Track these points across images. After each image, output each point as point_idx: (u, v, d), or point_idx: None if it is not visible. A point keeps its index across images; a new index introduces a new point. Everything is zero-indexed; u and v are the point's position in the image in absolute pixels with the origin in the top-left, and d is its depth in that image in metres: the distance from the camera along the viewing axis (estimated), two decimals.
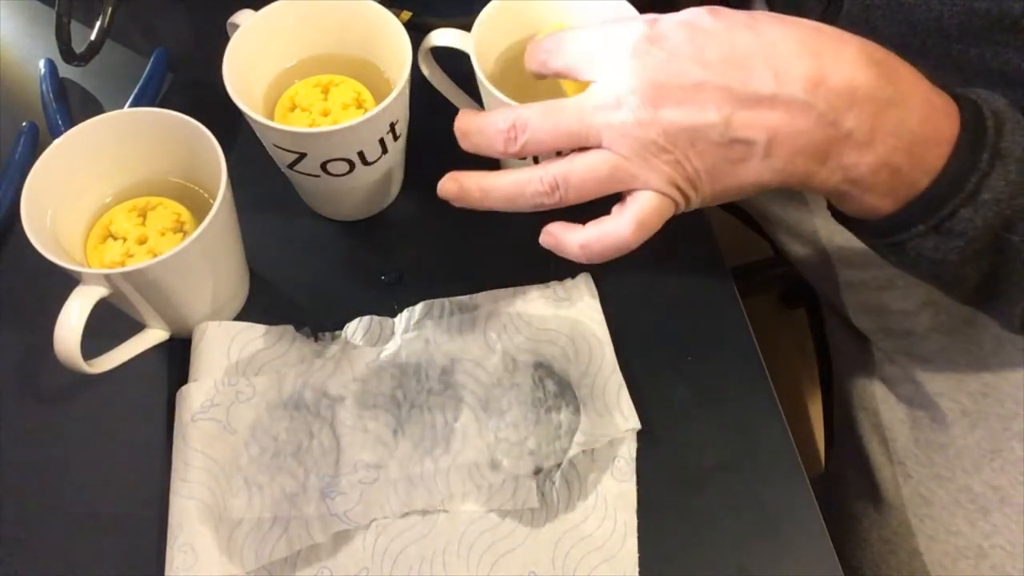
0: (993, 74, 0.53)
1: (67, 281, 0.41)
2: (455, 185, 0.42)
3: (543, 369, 0.47)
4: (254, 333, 0.48)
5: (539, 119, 0.38)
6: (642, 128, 0.35)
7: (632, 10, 0.47)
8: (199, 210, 0.46)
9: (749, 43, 0.35)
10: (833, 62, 0.35)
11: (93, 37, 0.57)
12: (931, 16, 0.52)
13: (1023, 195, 0.36)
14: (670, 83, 0.35)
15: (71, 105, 0.58)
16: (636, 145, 0.36)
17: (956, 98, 0.39)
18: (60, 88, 0.58)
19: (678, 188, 0.38)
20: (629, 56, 0.35)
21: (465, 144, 0.41)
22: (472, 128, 0.41)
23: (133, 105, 0.56)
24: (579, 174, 0.38)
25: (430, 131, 0.54)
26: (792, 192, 0.70)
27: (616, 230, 0.39)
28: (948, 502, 0.54)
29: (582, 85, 0.49)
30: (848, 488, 0.61)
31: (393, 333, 0.48)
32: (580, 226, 0.40)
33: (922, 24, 0.53)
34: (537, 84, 0.49)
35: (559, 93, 0.49)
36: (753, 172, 0.37)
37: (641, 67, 0.35)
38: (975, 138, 0.37)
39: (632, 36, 0.36)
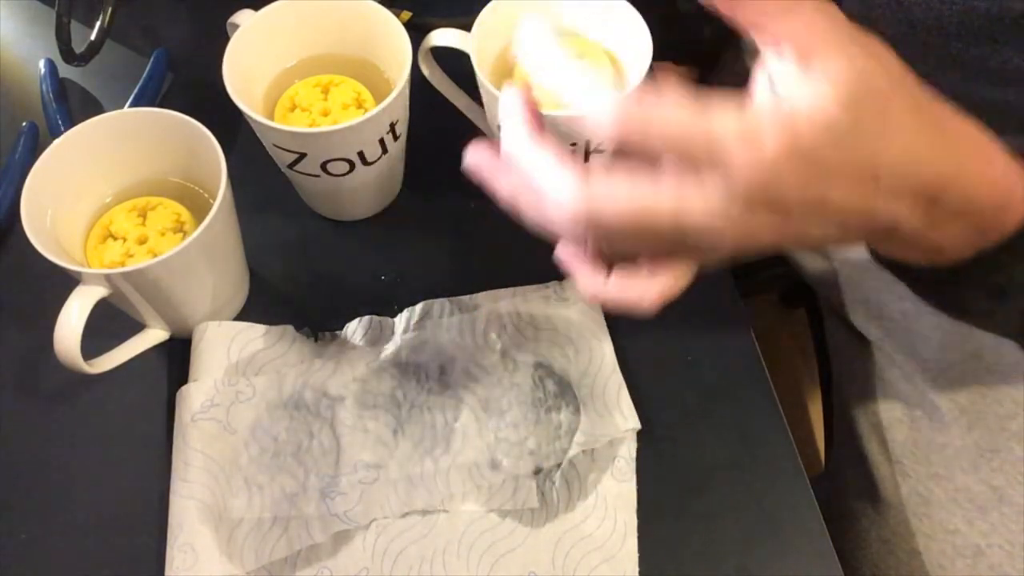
0: (993, 73, 0.53)
1: (67, 281, 0.41)
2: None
3: (543, 369, 0.47)
4: (254, 333, 0.48)
5: (620, 223, 0.31)
6: (724, 245, 0.31)
7: (631, 9, 0.47)
8: (199, 210, 0.46)
9: (873, 161, 0.31)
10: (953, 185, 0.33)
11: (93, 37, 0.57)
12: (931, 15, 0.52)
13: None
14: (783, 199, 0.30)
15: (71, 105, 0.58)
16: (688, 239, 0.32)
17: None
18: (60, 88, 0.58)
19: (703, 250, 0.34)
20: (752, 165, 0.30)
21: (502, 189, 0.35)
22: (521, 191, 0.34)
23: (133, 105, 0.56)
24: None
25: (430, 131, 0.54)
26: None
27: (639, 301, 0.35)
28: (946, 501, 0.54)
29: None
30: (847, 487, 0.61)
31: (393, 333, 0.48)
32: (602, 274, 0.36)
33: (922, 22, 0.53)
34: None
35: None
36: (805, 243, 0.34)
37: (764, 184, 0.30)
38: None
39: (764, 141, 0.30)
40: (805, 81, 0.30)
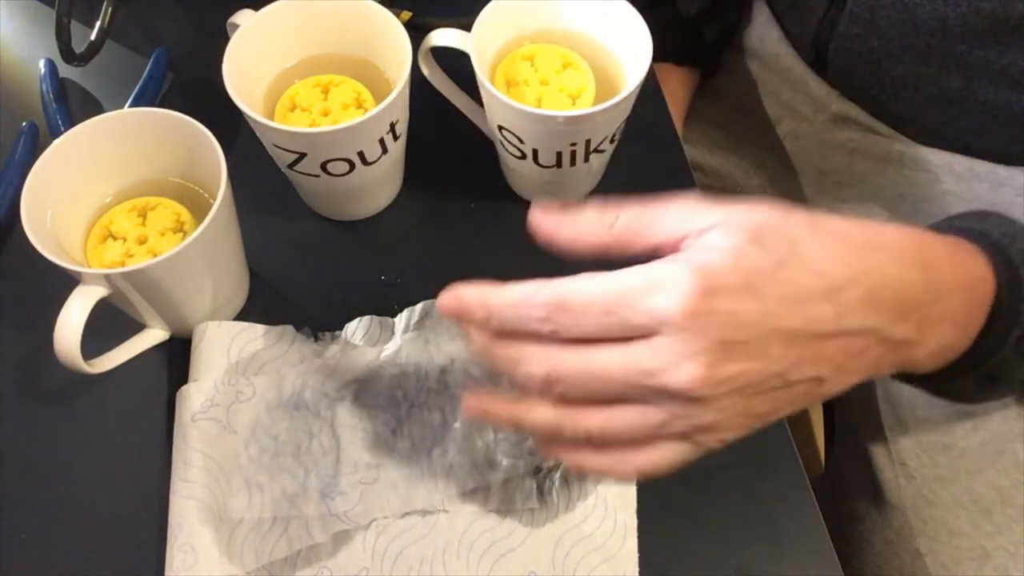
0: (997, 75, 0.53)
1: (67, 281, 0.41)
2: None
3: None
4: (254, 333, 0.48)
5: (577, 375, 0.33)
6: (705, 388, 0.31)
7: (631, 9, 0.47)
8: (199, 210, 0.46)
9: (801, 275, 0.32)
10: (880, 277, 0.33)
11: (93, 37, 0.57)
12: (936, 16, 0.52)
13: None
14: (735, 339, 0.31)
15: (71, 105, 0.58)
16: (694, 404, 0.32)
17: (986, 248, 0.38)
18: (60, 88, 0.58)
19: (712, 441, 0.34)
20: (687, 317, 0.31)
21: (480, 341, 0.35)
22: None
23: (133, 105, 0.56)
24: (619, 426, 0.33)
25: (430, 131, 0.54)
26: (793, 193, 0.70)
27: (617, 469, 0.34)
28: (951, 503, 0.54)
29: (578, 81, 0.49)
30: (850, 489, 0.61)
31: (393, 333, 0.48)
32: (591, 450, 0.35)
33: (926, 24, 0.53)
34: (536, 85, 0.49)
35: (560, 88, 0.49)
36: (809, 399, 0.35)
37: (704, 327, 0.31)
38: (1012, 295, 0.37)
39: (679, 294, 0.31)
40: (701, 245, 0.32)
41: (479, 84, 0.46)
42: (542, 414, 0.34)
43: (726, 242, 0.32)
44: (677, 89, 0.71)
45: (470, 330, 0.35)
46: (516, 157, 0.49)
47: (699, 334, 0.31)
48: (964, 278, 0.37)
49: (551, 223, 0.35)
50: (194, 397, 0.45)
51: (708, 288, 0.31)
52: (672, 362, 0.31)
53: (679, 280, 0.31)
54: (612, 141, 0.49)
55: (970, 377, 0.39)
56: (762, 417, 0.34)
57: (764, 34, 0.69)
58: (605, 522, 0.44)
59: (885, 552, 0.56)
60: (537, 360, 0.33)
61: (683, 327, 0.31)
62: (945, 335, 0.36)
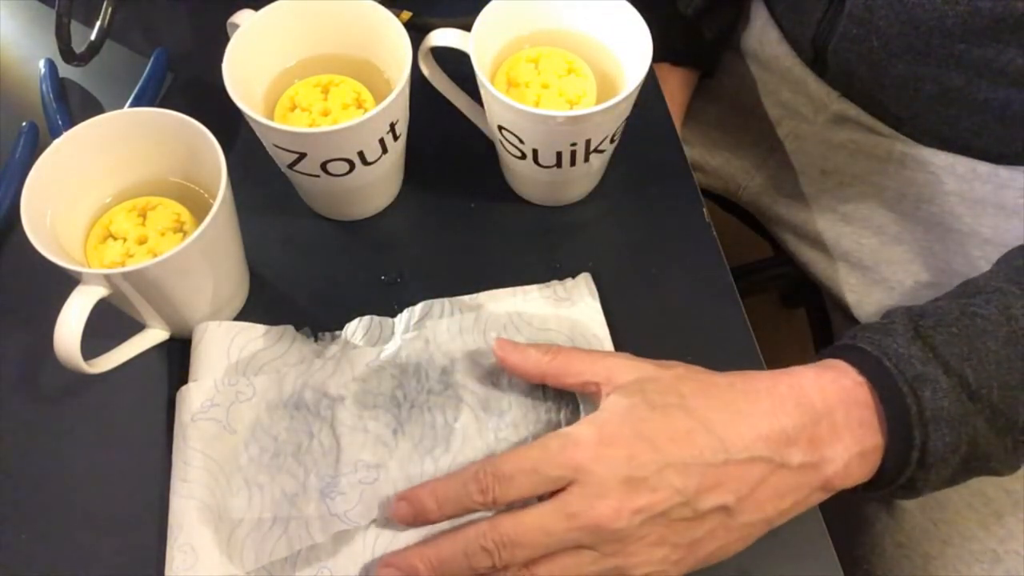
0: (997, 73, 0.53)
1: (67, 281, 0.41)
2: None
3: None
4: (254, 333, 0.48)
5: (521, 533, 0.38)
6: (620, 519, 0.38)
7: (631, 9, 0.47)
8: (199, 210, 0.46)
9: (687, 420, 0.39)
10: (760, 417, 0.40)
11: (93, 37, 0.57)
12: (934, 16, 0.52)
13: (965, 443, 0.39)
14: (636, 475, 0.38)
15: (71, 105, 0.58)
16: (616, 537, 0.38)
17: (868, 372, 0.41)
18: (60, 88, 0.58)
19: (649, 574, 0.39)
20: (593, 462, 0.38)
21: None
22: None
23: (133, 105, 0.56)
24: (562, 568, 0.39)
25: (430, 131, 0.54)
26: (794, 193, 0.70)
27: None
28: (962, 507, 0.54)
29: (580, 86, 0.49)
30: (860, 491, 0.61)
31: (393, 333, 0.48)
32: None
33: (925, 23, 0.53)
34: (537, 88, 0.49)
35: (560, 93, 0.49)
36: (735, 533, 0.40)
37: (608, 469, 0.38)
38: (898, 413, 0.39)
39: (586, 446, 0.39)
40: (606, 405, 0.41)
41: (479, 84, 0.46)
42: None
43: (623, 403, 0.40)
44: (676, 90, 0.71)
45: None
46: (516, 157, 0.49)
47: (606, 476, 0.38)
48: (837, 392, 0.40)
49: (504, 351, 0.44)
50: (194, 397, 0.45)
51: (606, 438, 0.39)
52: (590, 502, 0.38)
53: (584, 436, 0.39)
54: (612, 141, 0.49)
55: (894, 488, 0.41)
56: (686, 548, 0.39)
57: (763, 35, 0.69)
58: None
59: (896, 555, 0.56)
60: (484, 532, 0.39)
61: (591, 470, 0.38)
62: (848, 446, 0.40)
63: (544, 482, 0.39)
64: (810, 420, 0.40)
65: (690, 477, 0.38)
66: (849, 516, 0.60)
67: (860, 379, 0.41)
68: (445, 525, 0.42)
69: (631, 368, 0.42)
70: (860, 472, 0.40)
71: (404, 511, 0.41)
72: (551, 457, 0.39)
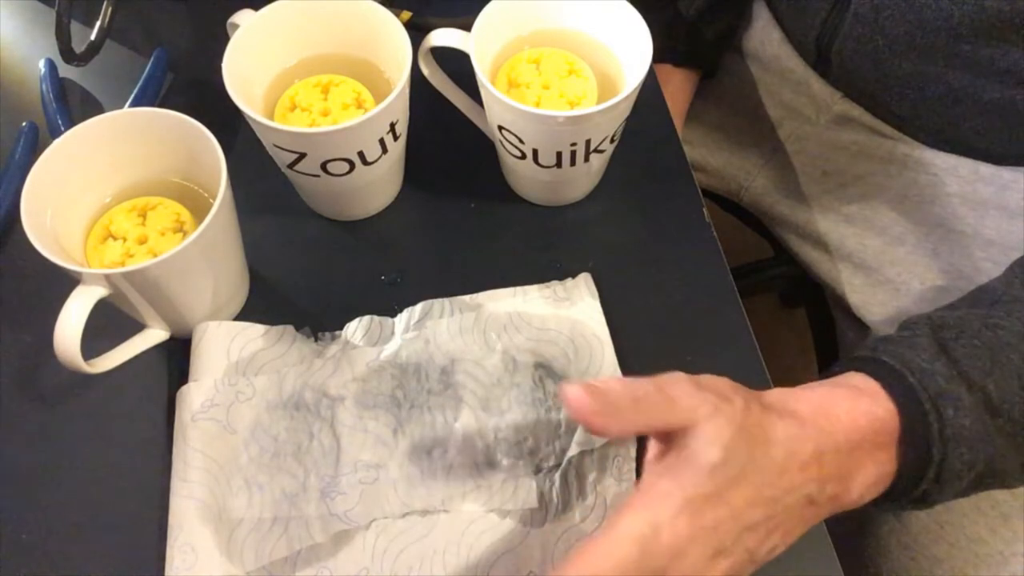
0: (1002, 73, 0.53)
1: (67, 281, 0.41)
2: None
3: (543, 369, 0.47)
4: (254, 333, 0.48)
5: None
6: None
7: (631, 9, 0.47)
8: (199, 210, 0.46)
9: (754, 478, 0.37)
10: (805, 454, 0.37)
11: (93, 37, 0.57)
12: (941, 15, 0.52)
13: (983, 461, 0.39)
14: (722, 547, 0.36)
15: (71, 105, 0.58)
16: None
17: (893, 392, 0.40)
18: (60, 88, 0.58)
19: None
20: (688, 542, 0.35)
21: None
22: None
23: (133, 105, 0.56)
24: None
25: (430, 131, 0.54)
26: (795, 194, 0.70)
27: None
28: (969, 509, 0.54)
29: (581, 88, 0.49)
30: None
31: (393, 333, 0.48)
32: None
33: (931, 23, 0.53)
34: (538, 88, 0.49)
35: (561, 94, 0.49)
36: (765, 553, 0.38)
37: (701, 548, 0.36)
38: (919, 430, 0.39)
39: (679, 524, 0.35)
40: (691, 446, 0.37)
41: (479, 84, 0.46)
42: None
43: (708, 461, 0.36)
44: (677, 91, 0.71)
45: None
46: (516, 157, 0.49)
47: (699, 554, 0.35)
48: (871, 424, 0.39)
49: (584, 412, 0.37)
50: (194, 397, 0.45)
51: (695, 511, 0.35)
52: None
53: (678, 518, 0.35)
54: (612, 141, 0.49)
55: (905, 502, 0.41)
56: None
57: (765, 36, 0.69)
58: (605, 522, 0.44)
59: (903, 558, 0.56)
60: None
61: (686, 552, 0.35)
62: (868, 474, 0.39)
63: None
64: (845, 455, 0.39)
65: (759, 534, 0.37)
66: (855, 518, 0.60)
67: (892, 408, 0.40)
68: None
69: (719, 419, 0.38)
70: (871, 495, 0.40)
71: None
72: (649, 558, 0.35)
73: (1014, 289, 0.43)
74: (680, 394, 0.37)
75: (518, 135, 0.47)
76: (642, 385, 0.37)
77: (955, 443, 0.38)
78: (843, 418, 0.39)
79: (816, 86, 0.65)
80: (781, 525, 0.38)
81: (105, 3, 0.57)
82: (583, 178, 0.52)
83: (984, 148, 0.58)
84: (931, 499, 0.40)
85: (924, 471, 0.39)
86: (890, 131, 0.63)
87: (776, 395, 0.40)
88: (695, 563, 0.35)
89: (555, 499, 0.44)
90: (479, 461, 0.44)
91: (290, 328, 0.48)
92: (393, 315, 0.49)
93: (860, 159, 0.65)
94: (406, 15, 0.58)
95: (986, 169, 0.59)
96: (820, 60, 0.64)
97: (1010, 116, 0.55)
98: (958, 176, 0.60)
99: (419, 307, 0.49)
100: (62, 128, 0.55)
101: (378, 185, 0.52)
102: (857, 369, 0.41)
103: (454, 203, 0.54)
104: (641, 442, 0.46)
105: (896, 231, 0.64)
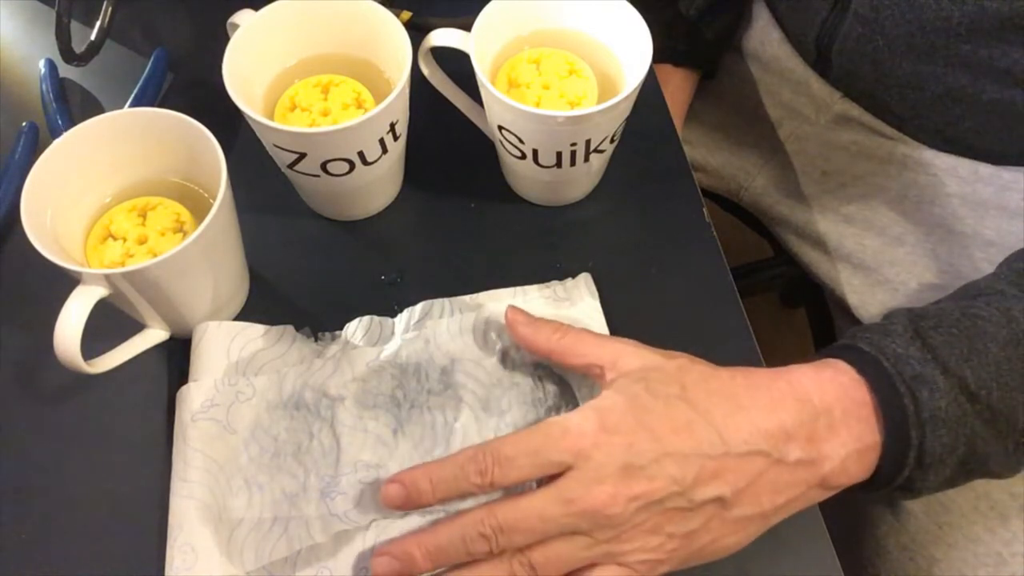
0: (1003, 73, 0.53)
1: (67, 281, 0.41)
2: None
3: (543, 369, 0.47)
4: (254, 333, 0.48)
5: (519, 519, 0.39)
6: (616, 505, 0.38)
7: (631, 9, 0.47)
8: (199, 210, 0.46)
9: (687, 412, 0.39)
10: (759, 411, 0.40)
11: (93, 37, 0.57)
12: (941, 16, 0.52)
13: (963, 445, 0.39)
14: (634, 463, 0.38)
15: (71, 105, 0.58)
16: (611, 523, 0.38)
17: (866, 371, 0.41)
18: (60, 88, 0.58)
19: (643, 562, 0.40)
20: (593, 448, 0.39)
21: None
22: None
23: (133, 105, 0.56)
24: (557, 552, 0.39)
25: (430, 131, 0.54)
26: (795, 193, 0.70)
27: None
28: (967, 509, 0.54)
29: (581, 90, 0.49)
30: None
31: (393, 333, 0.48)
32: None
33: (931, 23, 0.53)
34: (538, 89, 0.49)
35: (561, 94, 0.49)
36: (730, 526, 0.40)
37: (607, 456, 0.38)
38: (895, 413, 0.40)
39: (587, 433, 0.39)
40: (609, 391, 0.41)
41: (479, 84, 0.46)
42: (494, 567, 0.39)
43: (626, 391, 0.40)
44: (677, 91, 0.71)
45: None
46: (516, 157, 0.49)
47: (604, 462, 0.38)
48: (835, 390, 0.41)
49: (516, 321, 0.45)
50: (194, 397, 0.45)
51: (608, 426, 0.39)
52: (587, 487, 0.38)
53: (586, 422, 0.39)
54: (612, 141, 0.49)
55: (893, 488, 0.41)
56: (681, 540, 0.39)
57: (764, 36, 0.69)
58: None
59: (901, 558, 0.56)
60: (482, 518, 0.39)
61: (590, 456, 0.38)
62: (845, 443, 0.40)
63: (544, 465, 0.39)
64: (808, 417, 0.40)
65: (688, 467, 0.38)
66: (853, 518, 0.60)
67: (858, 378, 0.41)
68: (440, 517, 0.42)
69: (636, 355, 0.42)
70: (857, 470, 0.40)
71: (395, 493, 0.41)
72: (553, 442, 0.39)
73: (999, 283, 0.44)
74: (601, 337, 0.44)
75: (518, 135, 0.47)
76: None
77: (932, 425, 0.39)
78: (805, 384, 0.41)
79: (816, 86, 0.65)
80: (730, 474, 0.39)
81: (105, 3, 0.57)
82: (583, 178, 0.52)
83: (984, 148, 0.58)
84: (917, 486, 0.40)
85: (905, 455, 0.39)
86: (890, 131, 0.63)
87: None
88: (600, 466, 0.38)
89: None
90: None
91: (290, 328, 0.48)
92: (393, 315, 0.49)
93: (860, 159, 0.65)
94: (406, 15, 0.58)
95: (985, 169, 0.59)
96: (820, 60, 0.64)
97: (1009, 116, 0.55)
98: (958, 176, 0.60)
99: (419, 307, 0.49)
100: (62, 128, 0.55)
101: (378, 185, 0.52)
102: (834, 356, 0.42)
103: (454, 203, 0.54)
104: None
105: (895, 231, 0.64)
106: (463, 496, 0.41)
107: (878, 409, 0.40)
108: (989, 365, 0.39)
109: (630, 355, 0.42)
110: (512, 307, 0.45)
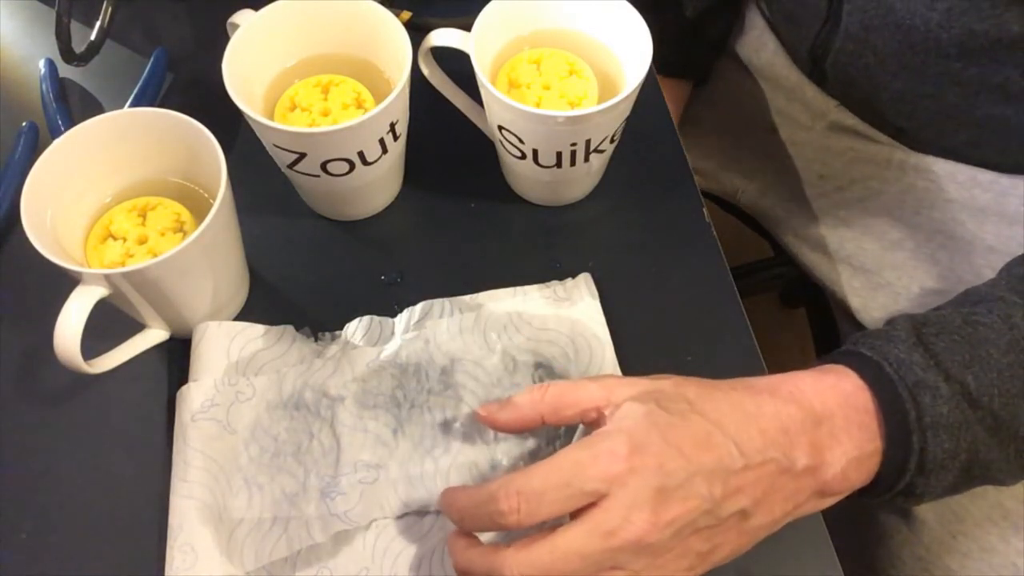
0: (995, 89, 0.53)
1: (67, 281, 0.41)
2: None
3: (543, 369, 0.47)
4: (254, 333, 0.48)
5: (547, 557, 0.36)
6: (655, 532, 0.36)
7: (631, 9, 0.47)
8: (199, 210, 0.46)
9: (704, 424, 0.38)
10: (766, 419, 0.39)
11: (93, 37, 0.57)
12: (929, 36, 0.52)
13: (965, 451, 0.39)
14: (668, 485, 0.37)
15: (71, 105, 0.58)
16: (648, 551, 0.37)
17: (868, 377, 0.41)
18: (60, 88, 0.58)
19: None
20: (629, 474, 0.37)
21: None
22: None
23: (133, 105, 0.56)
24: None
25: (430, 131, 0.54)
26: (792, 197, 0.70)
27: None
28: (981, 519, 0.54)
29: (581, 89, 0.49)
30: (880, 504, 0.60)
31: (393, 333, 0.48)
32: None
33: (921, 44, 0.53)
34: (539, 89, 0.49)
35: (562, 94, 0.49)
36: (747, 536, 0.39)
37: (642, 480, 0.37)
38: (897, 418, 0.39)
39: (619, 456, 0.37)
40: (621, 415, 0.39)
41: (479, 84, 0.46)
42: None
43: (641, 409, 0.38)
44: (668, 101, 0.71)
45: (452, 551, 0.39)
46: (516, 157, 0.49)
47: (640, 486, 0.36)
48: (837, 397, 0.40)
49: (490, 413, 0.42)
50: (194, 397, 0.45)
51: (637, 446, 0.37)
52: (626, 515, 0.36)
53: (615, 446, 0.37)
54: (612, 141, 0.49)
55: (894, 494, 0.41)
56: (702, 557, 0.38)
57: (759, 45, 0.68)
58: None
59: (916, 569, 0.56)
60: (513, 565, 0.36)
61: (626, 482, 0.36)
62: (847, 451, 0.40)
63: (576, 497, 0.37)
64: (811, 424, 0.39)
65: (715, 484, 0.37)
66: (866, 528, 0.59)
67: (860, 383, 0.40)
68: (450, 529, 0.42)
69: (627, 384, 0.40)
70: (857, 477, 0.40)
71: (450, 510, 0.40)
72: (584, 470, 0.37)
73: (999, 290, 0.44)
74: (589, 381, 0.41)
75: (518, 135, 0.47)
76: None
77: (934, 431, 0.38)
78: (807, 391, 0.40)
79: (811, 94, 0.65)
80: (750, 487, 0.38)
81: (105, 3, 0.57)
82: (583, 178, 0.52)
83: (981, 157, 0.58)
84: (919, 492, 0.40)
85: (906, 461, 0.39)
86: (886, 139, 0.63)
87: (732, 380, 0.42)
88: (636, 492, 0.36)
89: None
90: (479, 461, 0.44)
91: (290, 328, 0.48)
92: (393, 315, 0.49)
93: (857, 164, 0.65)
94: (406, 15, 0.58)
95: (984, 176, 0.59)
96: (815, 71, 0.64)
97: (1003, 131, 0.55)
98: (956, 182, 0.60)
99: (419, 307, 0.49)
100: (62, 128, 0.55)
101: (378, 185, 0.52)
102: (835, 362, 0.42)
103: (454, 203, 0.54)
104: None
105: (894, 236, 0.64)
106: (493, 531, 0.40)
107: (880, 415, 0.40)
108: (991, 371, 0.39)
109: (622, 385, 0.40)
110: (482, 406, 0.42)
